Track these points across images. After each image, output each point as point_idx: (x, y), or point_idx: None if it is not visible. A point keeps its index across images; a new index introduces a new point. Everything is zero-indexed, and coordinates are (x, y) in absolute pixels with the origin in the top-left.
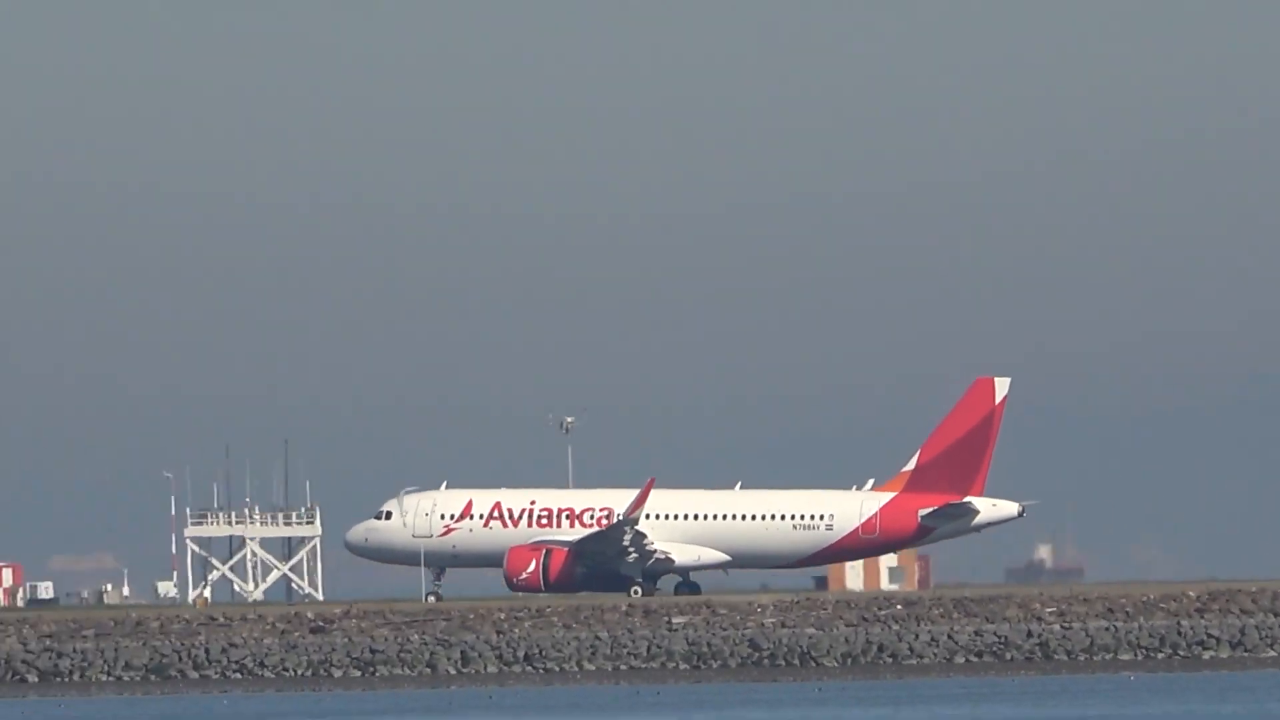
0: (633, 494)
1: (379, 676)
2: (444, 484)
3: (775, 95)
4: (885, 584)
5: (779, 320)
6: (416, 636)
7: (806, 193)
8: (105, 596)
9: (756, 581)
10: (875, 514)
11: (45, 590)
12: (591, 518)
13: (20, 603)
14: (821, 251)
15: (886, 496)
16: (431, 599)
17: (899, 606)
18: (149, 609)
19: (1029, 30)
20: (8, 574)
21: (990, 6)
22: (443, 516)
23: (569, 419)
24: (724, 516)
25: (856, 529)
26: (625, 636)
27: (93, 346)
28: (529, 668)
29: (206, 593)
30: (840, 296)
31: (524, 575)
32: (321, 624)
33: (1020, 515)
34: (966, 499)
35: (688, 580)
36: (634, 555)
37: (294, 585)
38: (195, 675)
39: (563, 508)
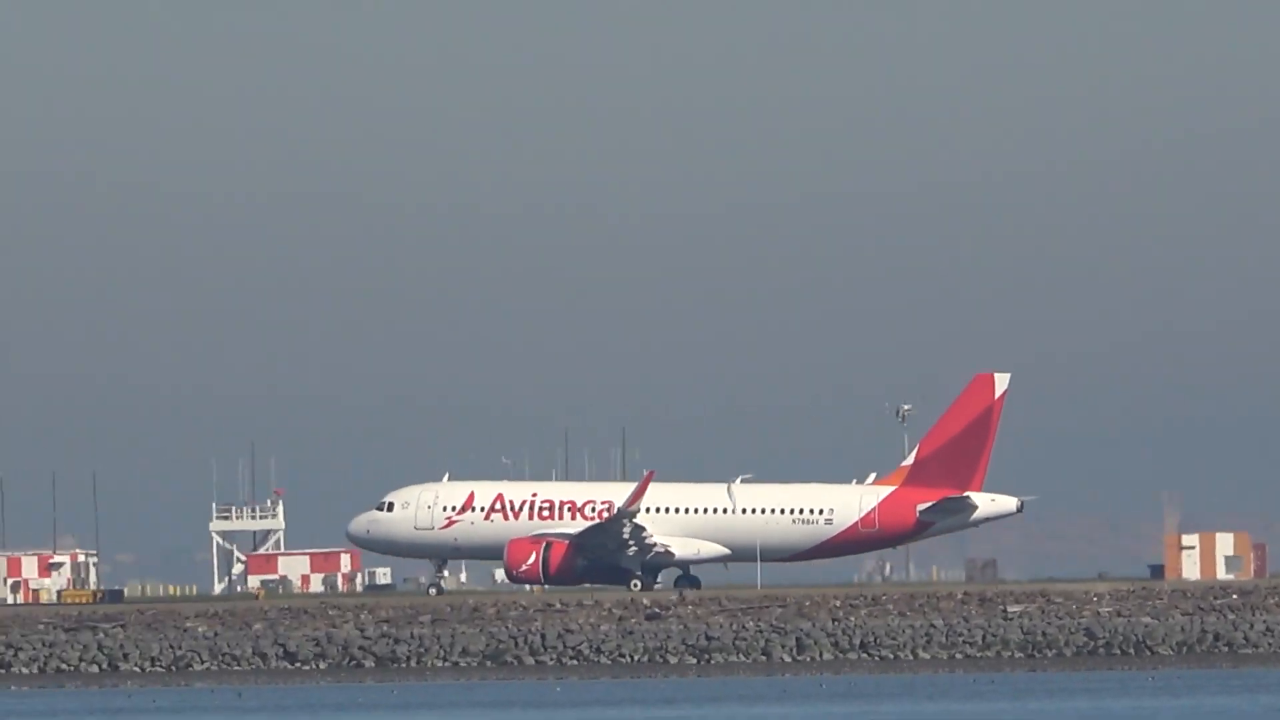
0: (633, 487)
1: (714, 664)
2: (446, 476)
3: (776, 97)
4: (1221, 573)
5: (783, 317)
6: (752, 623)
7: (808, 193)
8: (443, 583)
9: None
10: (874, 509)
11: (383, 576)
12: (592, 510)
13: (359, 588)
14: (824, 250)
15: (885, 491)
16: (433, 591)
17: (1234, 596)
18: (486, 595)
19: (1028, 32)
20: (346, 560)
21: (989, 9)
22: (445, 509)
23: (906, 407)
24: (724, 510)
25: (855, 523)
26: (960, 625)
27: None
28: (864, 655)
29: None
30: (843, 294)
31: (524, 567)
32: (658, 610)
33: (1019, 510)
34: (965, 494)
35: (688, 574)
36: (634, 548)
37: None
38: (531, 661)
39: (563, 500)
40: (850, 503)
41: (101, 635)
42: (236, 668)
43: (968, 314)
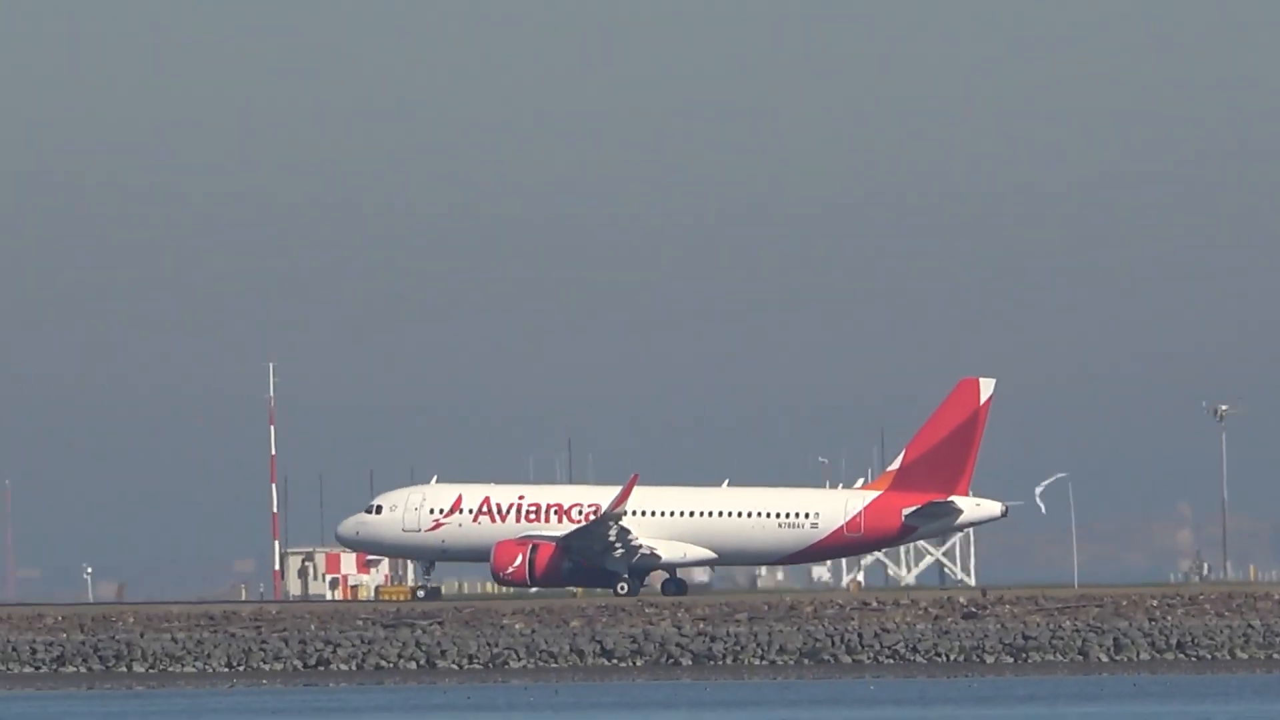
0: (637, 489)
1: (1030, 663)
2: (434, 478)
3: (762, 102)
4: None
5: (769, 323)
6: (1069, 623)
7: (795, 198)
8: (759, 581)
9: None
10: (859, 513)
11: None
12: (579, 513)
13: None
14: (809, 255)
15: (871, 495)
16: (421, 592)
17: None
18: (803, 593)
19: (1012, 34)
20: None
21: (971, 14)
22: (432, 511)
23: (1223, 406)
24: (710, 514)
25: (841, 527)
26: (1278, 624)
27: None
28: (1180, 655)
29: (860, 577)
30: (829, 299)
31: (510, 569)
32: (974, 609)
33: (1004, 515)
34: (949, 498)
35: (674, 577)
36: (620, 551)
37: (946, 570)
38: (848, 660)
39: (550, 503)
40: (836, 507)
41: (419, 632)
42: (553, 665)
43: (953, 319)
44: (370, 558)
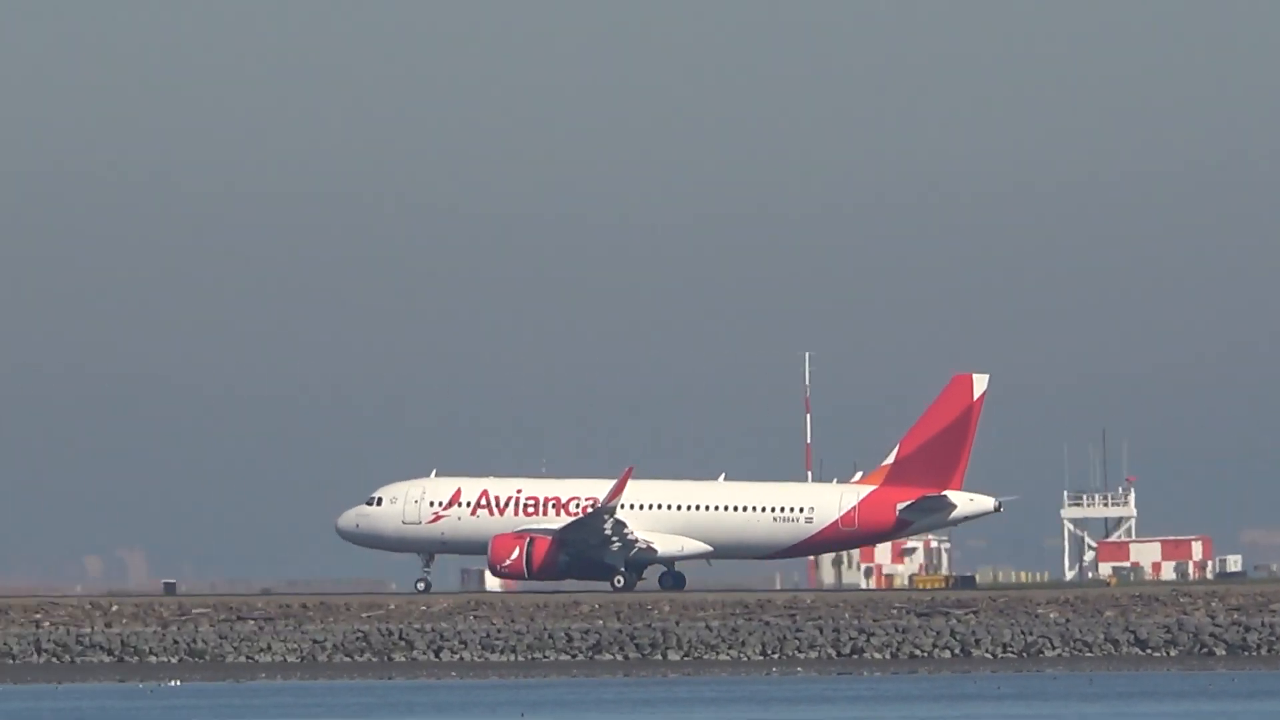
0: (634, 483)
1: None
2: (434, 471)
3: (755, 104)
4: None
5: (765, 319)
6: None
7: (787, 194)
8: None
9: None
10: (854, 507)
11: (1234, 564)
12: (577, 506)
13: (1209, 575)
14: (804, 253)
15: (866, 490)
16: (420, 586)
17: None
18: None
19: (998, 36)
20: (1197, 547)
21: (953, 17)
22: (431, 504)
23: None
24: (706, 508)
25: (836, 521)
26: None
27: None
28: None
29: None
30: (824, 296)
31: (508, 563)
32: None
33: (997, 510)
34: (942, 493)
35: (672, 570)
36: (616, 544)
37: None
38: None
39: (548, 496)
40: (830, 501)
41: (954, 621)
42: (1088, 654)
43: (948, 316)
44: (907, 547)
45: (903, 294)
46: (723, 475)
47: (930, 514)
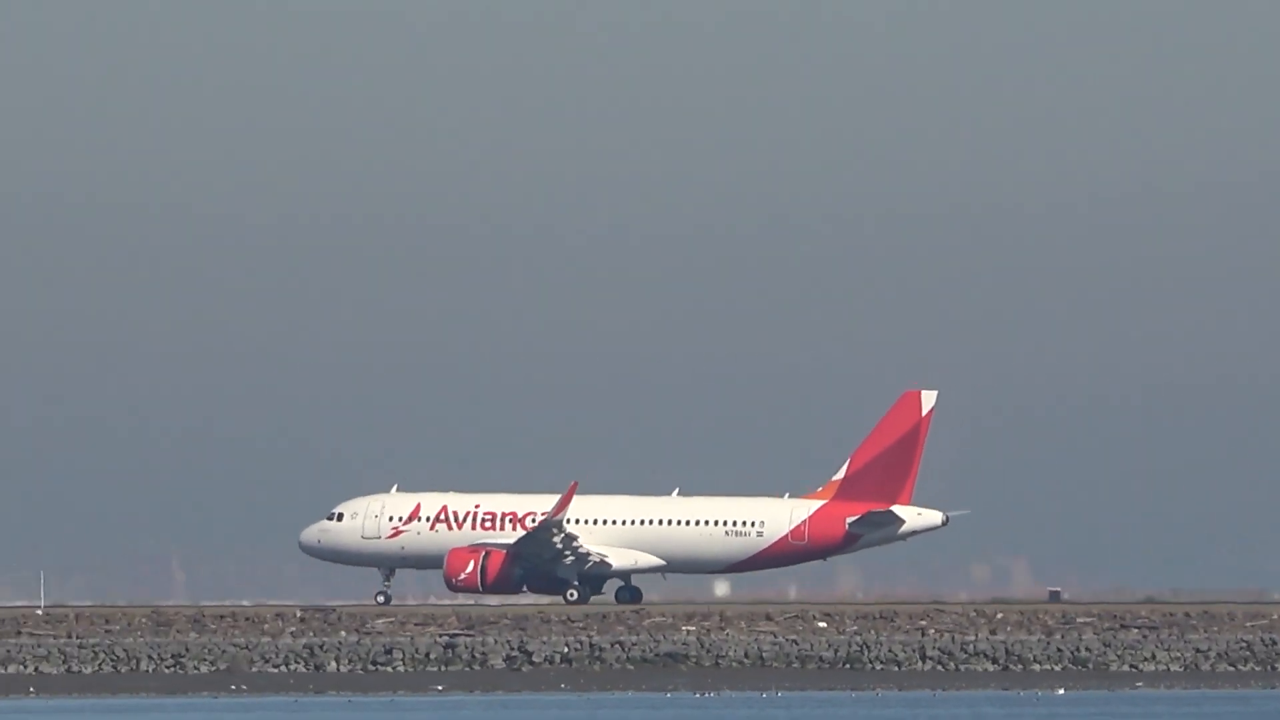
0: (582, 499)
1: None
2: (394, 487)
3: (714, 119)
4: None
5: (720, 334)
6: None
7: (740, 208)
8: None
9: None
10: (804, 521)
11: None
12: (533, 521)
13: None
14: (758, 267)
15: (816, 504)
16: (380, 599)
17: None
18: None
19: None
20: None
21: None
22: (391, 519)
23: None
24: (659, 522)
25: (786, 536)
26: None
27: None
28: None
29: None
30: (775, 311)
31: (463, 576)
32: None
33: (944, 524)
34: (890, 507)
35: (629, 585)
36: (569, 558)
37: None
38: None
39: (505, 511)
40: (781, 516)
41: None
42: None
43: (897, 328)
44: None
45: (856, 309)
46: (676, 490)
47: (879, 528)
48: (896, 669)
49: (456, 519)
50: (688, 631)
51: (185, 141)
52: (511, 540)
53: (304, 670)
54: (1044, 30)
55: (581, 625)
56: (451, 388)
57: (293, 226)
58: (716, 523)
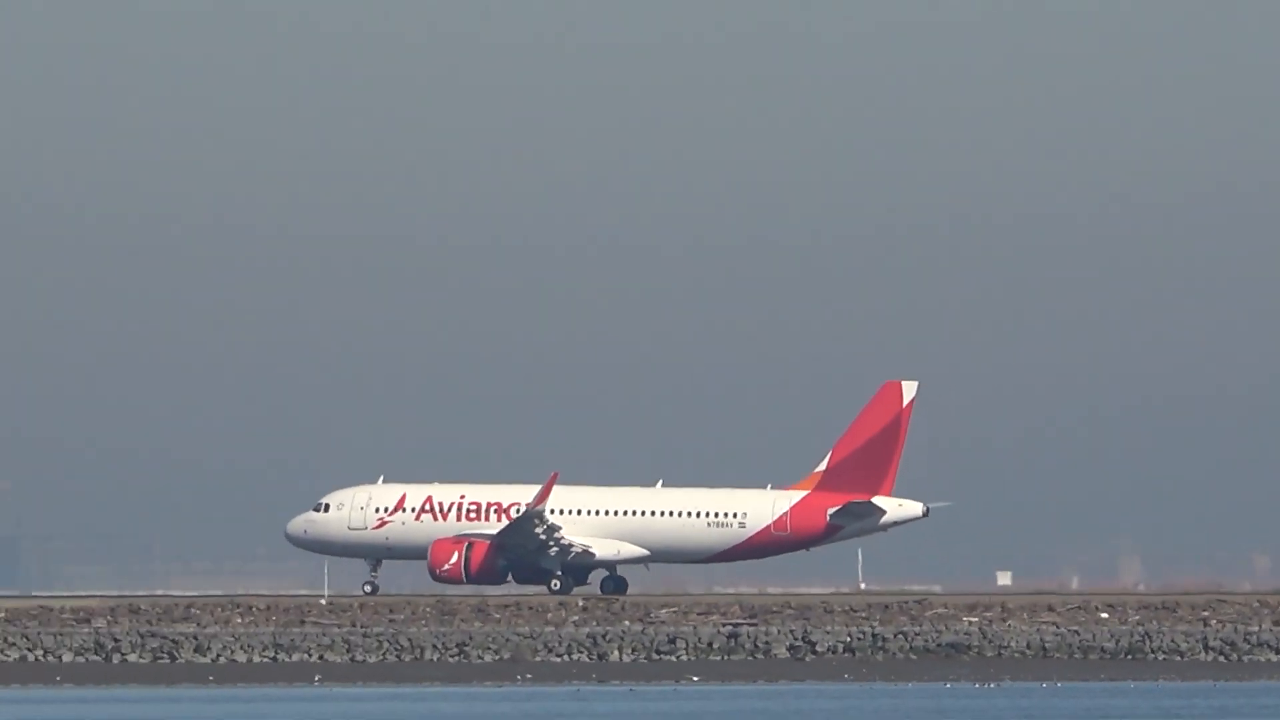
0: (566, 489)
1: None
2: (381, 478)
3: (704, 118)
4: None
5: (704, 328)
6: None
7: (723, 203)
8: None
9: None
10: (786, 512)
11: None
12: (518, 512)
13: None
14: (740, 260)
15: (798, 495)
16: (367, 589)
17: None
18: None
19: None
20: None
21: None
22: (377, 510)
23: None
24: (642, 513)
25: (768, 526)
26: None
27: None
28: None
29: None
30: (758, 304)
31: (446, 567)
32: None
33: (925, 515)
34: (871, 498)
35: (614, 574)
36: (553, 549)
37: None
38: None
39: (490, 502)
40: (763, 506)
41: None
42: None
43: (878, 319)
44: None
45: (838, 302)
46: (660, 481)
47: (859, 519)
48: (1179, 659)
49: (441, 510)
50: (970, 622)
51: (173, 147)
52: (495, 531)
53: (587, 660)
54: (1041, 30)
55: (864, 615)
56: (439, 379)
57: (284, 224)
58: (699, 514)
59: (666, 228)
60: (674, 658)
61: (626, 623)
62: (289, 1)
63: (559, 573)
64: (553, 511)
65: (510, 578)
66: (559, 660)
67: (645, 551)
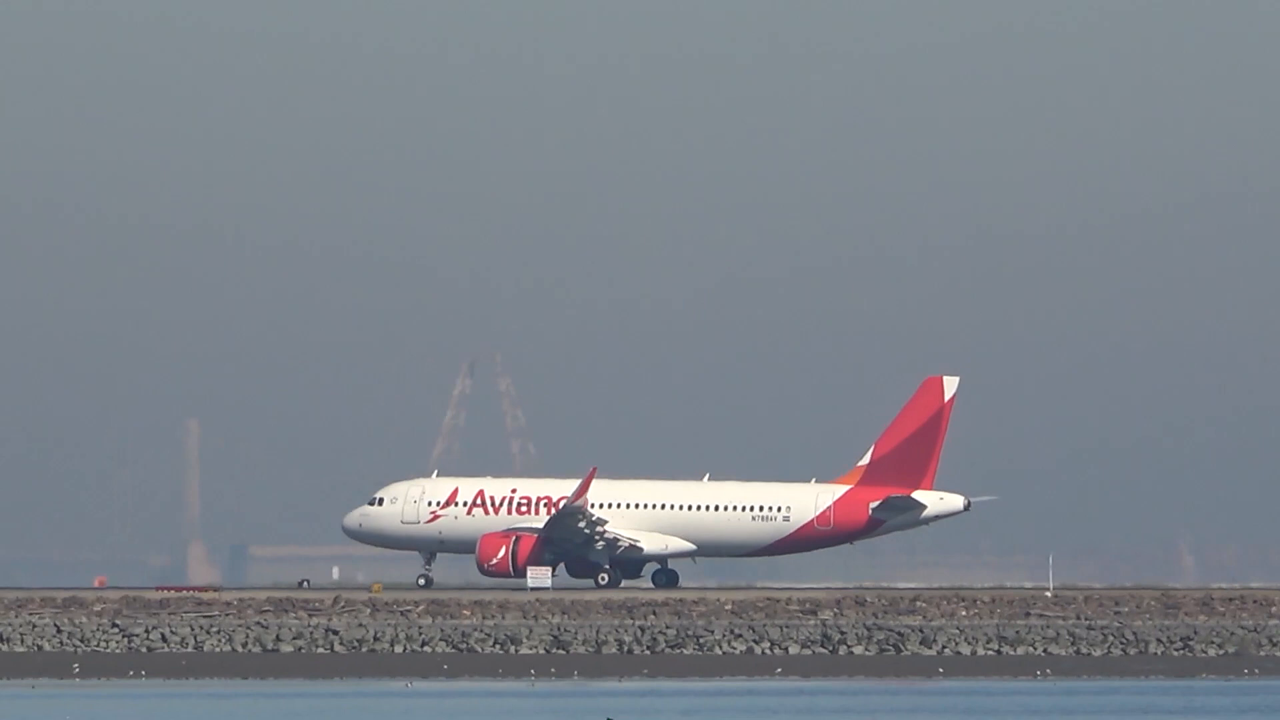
0: (614, 483)
1: None
2: (435, 472)
3: (727, 98)
4: None
5: (751, 326)
6: None
7: (768, 196)
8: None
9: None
10: (829, 506)
11: None
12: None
13: None
14: (785, 258)
15: (841, 490)
16: (421, 582)
17: None
18: None
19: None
20: None
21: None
22: (430, 504)
23: None
24: (689, 507)
25: (812, 520)
26: None
27: None
28: None
29: None
30: (802, 301)
31: (494, 561)
32: None
33: (966, 509)
34: (912, 493)
35: (666, 568)
36: (601, 543)
37: None
38: None
39: (540, 496)
40: (807, 501)
41: None
42: None
43: (921, 316)
44: None
45: (880, 298)
46: (707, 475)
47: (901, 512)
48: None
49: (493, 503)
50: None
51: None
52: (542, 525)
53: None
54: (1054, 21)
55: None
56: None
57: (340, 204)
58: (744, 508)
59: (712, 223)
60: None
61: None
62: (290, 6)
63: (608, 566)
64: (596, 505)
65: (564, 570)
66: None
67: (693, 546)
